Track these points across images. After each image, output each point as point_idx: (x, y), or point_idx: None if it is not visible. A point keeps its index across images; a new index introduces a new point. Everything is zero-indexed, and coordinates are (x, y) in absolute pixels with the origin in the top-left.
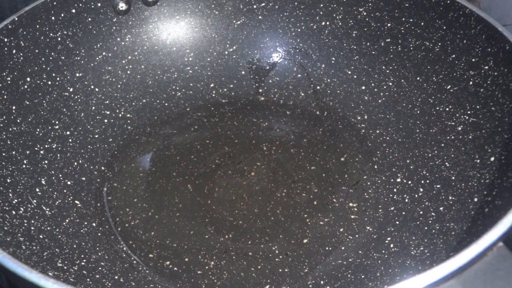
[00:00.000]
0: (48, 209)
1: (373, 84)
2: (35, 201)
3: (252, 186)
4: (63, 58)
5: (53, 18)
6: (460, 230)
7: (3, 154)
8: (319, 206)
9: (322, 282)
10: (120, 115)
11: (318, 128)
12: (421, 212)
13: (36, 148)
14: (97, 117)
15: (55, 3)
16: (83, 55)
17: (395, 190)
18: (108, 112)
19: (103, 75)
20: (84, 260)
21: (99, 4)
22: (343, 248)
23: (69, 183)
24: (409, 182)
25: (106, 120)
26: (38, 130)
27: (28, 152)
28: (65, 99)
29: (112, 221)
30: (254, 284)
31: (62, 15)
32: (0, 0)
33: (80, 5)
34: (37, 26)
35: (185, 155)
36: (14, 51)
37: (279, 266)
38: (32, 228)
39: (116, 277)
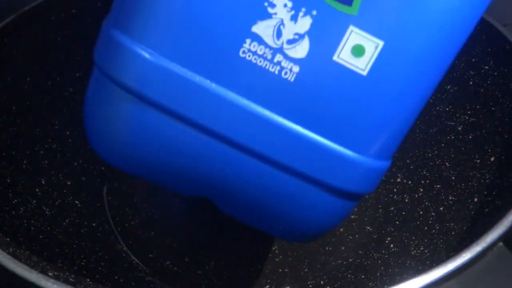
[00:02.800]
0: (48, 209)
1: None
2: (35, 201)
3: None
4: (63, 58)
5: (53, 18)
6: (460, 230)
7: (3, 154)
8: None
9: (322, 282)
10: None
11: None
12: (421, 212)
13: (36, 148)
14: None
15: (55, 3)
16: (83, 55)
17: (395, 190)
18: None
19: None
20: (84, 260)
21: (99, 4)
22: (343, 248)
23: (69, 183)
24: (409, 182)
25: None
26: (38, 130)
27: (28, 152)
28: (65, 99)
29: (112, 221)
30: (254, 284)
31: (62, 15)
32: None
33: (80, 5)
34: (37, 26)
35: None
36: (14, 51)
37: (279, 266)
38: (32, 228)
39: (116, 277)
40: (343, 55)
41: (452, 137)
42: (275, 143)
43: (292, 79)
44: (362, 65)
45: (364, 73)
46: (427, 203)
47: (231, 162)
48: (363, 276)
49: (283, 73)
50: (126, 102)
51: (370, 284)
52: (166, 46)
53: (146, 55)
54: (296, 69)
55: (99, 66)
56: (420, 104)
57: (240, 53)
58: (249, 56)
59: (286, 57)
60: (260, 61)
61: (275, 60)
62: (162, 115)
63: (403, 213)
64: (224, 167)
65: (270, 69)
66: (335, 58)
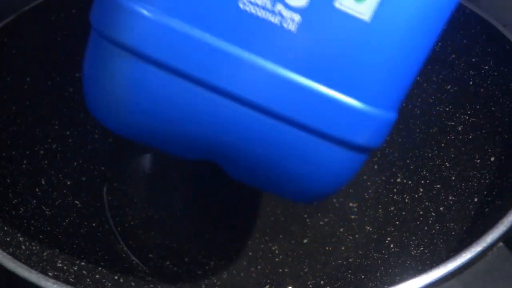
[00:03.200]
0: (48, 209)
1: None
2: (35, 201)
3: None
4: (63, 58)
5: (53, 18)
6: (460, 230)
7: (3, 154)
8: (319, 206)
9: (322, 282)
10: None
11: None
12: (421, 212)
13: (36, 148)
14: None
15: (55, 3)
16: (83, 55)
17: (395, 190)
18: None
19: None
20: (84, 260)
21: None
22: (343, 248)
23: (69, 183)
24: (409, 182)
25: None
26: (38, 130)
27: (28, 152)
28: (65, 99)
29: (112, 221)
30: (254, 284)
31: (62, 15)
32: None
33: (80, 5)
34: (37, 26)
35: None
36: (14, 51)
37: (279, 266)
38: (32, 228)
39: (116, 277)
40: (345, 1)
41: (452, 137)
42: (280, 96)
43: (294, 29)
44: (364, 11)
45: (367, 19)
46: (427, 203)
47: (236, 118)
48: (363, 276)
49: (284, 23)
50: (126, 62)
51: (370, 284)
52: (164, 0)
53: (144, 12)
54: (297, 18)
55: (96, 28)
56: (423, 51)
57: (240, 4)
58: (248, 7)
59: (287, 6)
60: (260, 12)
61: (276, 10)
62: (163, 73)
63: (403, 213)
64: (229, 124)
65: (271, 19)
66: (337, 4)
